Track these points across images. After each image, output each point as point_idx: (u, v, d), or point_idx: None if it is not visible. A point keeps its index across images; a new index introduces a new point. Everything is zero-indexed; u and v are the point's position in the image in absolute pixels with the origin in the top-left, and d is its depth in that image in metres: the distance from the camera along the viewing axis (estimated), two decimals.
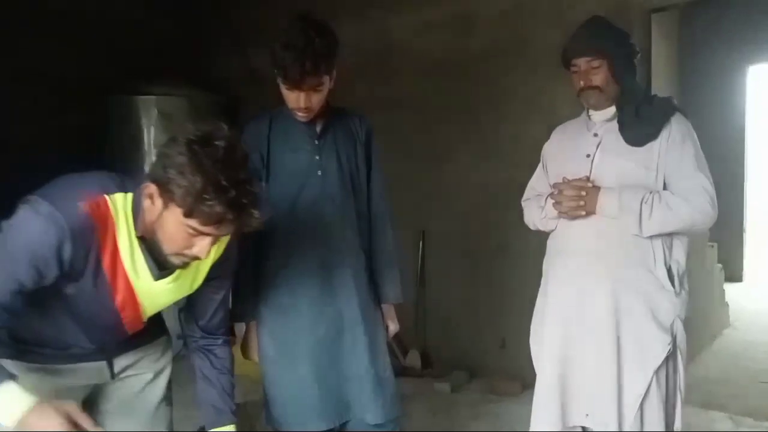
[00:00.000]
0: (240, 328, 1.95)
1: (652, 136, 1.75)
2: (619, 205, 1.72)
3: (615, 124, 1.81)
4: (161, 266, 1.35)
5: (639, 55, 1.88)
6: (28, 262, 1.20)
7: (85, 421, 1.18)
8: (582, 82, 1.80)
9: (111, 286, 1.32)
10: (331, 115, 1.91)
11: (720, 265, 4.93)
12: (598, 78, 1.79)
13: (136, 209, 1.29)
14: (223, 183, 1.16)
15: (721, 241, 5.06)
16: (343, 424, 1.92)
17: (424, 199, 3.79)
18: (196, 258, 1.28)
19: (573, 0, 3.19)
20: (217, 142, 1.19)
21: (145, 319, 1.47)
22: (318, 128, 1.89)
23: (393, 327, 2.07)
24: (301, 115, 1.82)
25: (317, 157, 1.88)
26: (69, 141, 3.98)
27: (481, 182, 3.59)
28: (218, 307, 1.59)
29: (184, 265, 1.34)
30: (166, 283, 1.38)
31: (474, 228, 3.63)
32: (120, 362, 1.55)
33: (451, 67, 3.69)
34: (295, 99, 1.77)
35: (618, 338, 1.75)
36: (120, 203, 1.29)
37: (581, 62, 1.80)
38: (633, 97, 1.79)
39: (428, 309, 3.86)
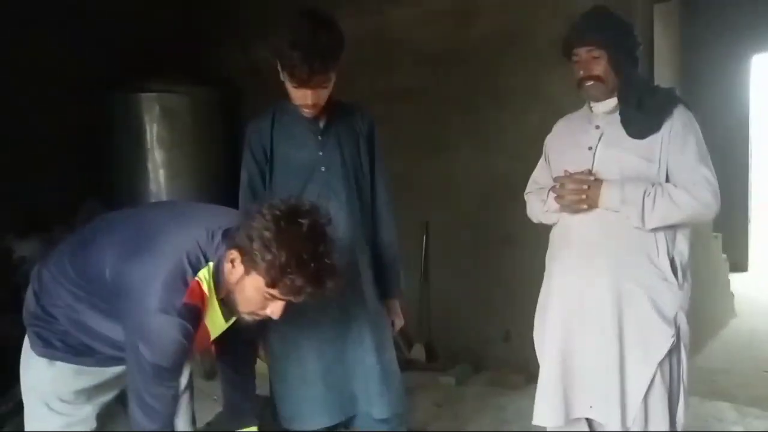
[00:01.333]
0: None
1: (654, 128, 1.73)
2: (622, 198, 1.71)
3: (617, 117, 1.80)
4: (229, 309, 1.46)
5: (641, 46, 1.86)
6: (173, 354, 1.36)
7: None
8: (582, 72, 1.79)
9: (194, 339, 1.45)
10: (333, 110, 1.91)
11: (725, 256, 4.92)
12: (599, 68, 1.77)
13: (217, 274, 1.40)
14: (305, 257, 1.28)
15: (726, 232, 5.04)
16: (350, 419, 1.93)
17: (427, 190, 3.78)
18: (268, 317, 1.40)
19: None
20: (301, 220, 1.31)
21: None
22: (321, 124, 1.89)
23: (398, 322, 2.07)
24: (307, 112, 1.82)
25: (320, 153, 1.88)
26: (70, 138, 3.99)
27: (484, 173, 3.58)
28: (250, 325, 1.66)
29: (254, 321, 1.46)
30: (230, 322, 1.51)
31: (477, 219, 3.62)
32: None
33: (451, 57, 3.67)
34: (302, 96, 1.76)
35: (621, 330, 1.75)
36: (205, 278, 1.39)
37: (582, 52, 1.79)
38: (634, 88, 1.78)
39: (433, 302, 3.86)
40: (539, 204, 1.95)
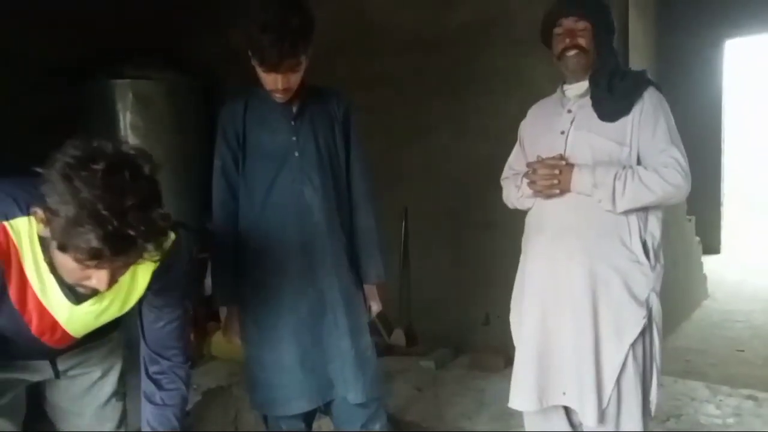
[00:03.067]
0: (222, 311, 1.95)
1: (625, 110, 1.75)
2: (593, 182, 1.72)
3: (588, 100, 1.81)
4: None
5: (615, 33, 1.89)
6: None
7: None
8: (568, 40, 1.79)
9: (24, 316, 1.23)
10: (307, 95, 1.89)
11: (698, 238, 5.01)
12: (583, 40, 1.78)
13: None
14: (102, 212, 1.00)
15: (699, 215, 5.14)
16: (327, 404, 1.94)
17: (407, 176, 3.79)
18: (96, 290, 1.15)
19: None
20: (95, 165, 1.01)
21: (78, 337, 1.36)
22: (294, 109, 1.87)
23: (375, 307, 2.07)
24: (279, 97, 1.80)
25: (294, 138, 1.86)
26: (40, 125, 3.89)
27: (464, 158, 3.59)
28: (171, 341, 1.47)
29: (94, 293, 1.21)
30: (89, 305, 1.28)
31: (457, 204, 3.64)
32: (64, 362, 1.50)
33: (431, 43, 3.66)
34: (273, 81, 1.74)
35: (595, 313, 1.76)
36: (23, 228, 1.16)
37: (569, 22, 1.79)
38: (606, 70, 1.79)
39: (412, 287, 3.88)
40: (514, 190, 1.96)
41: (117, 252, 1.04)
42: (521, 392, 1.85)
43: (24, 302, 1.22)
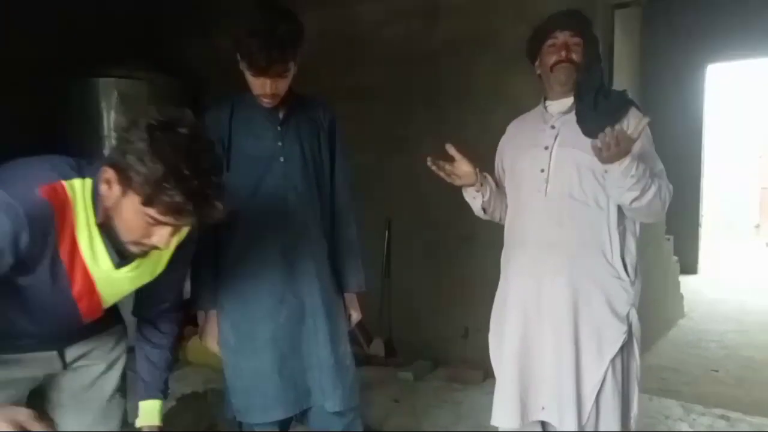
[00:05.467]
0: (200, 316, 1.92)
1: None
2: (637, 174, 1.64)
3: (572, 116, 1.82)
4: (122, 254, 1.29)
5: (600, 51, 1.92)
6: None
7: (39, 428, 1.09)
8: (563, 53, 1.80)
9: (68, 275, 1.27)
10: (294, 101, 1.89)
11: (676, 258, 5.09)
12: (576, 54, 1.80)
13: (96, 195, 1.23)
14: (185, 172, 1.11)
15: (678, 235, 5.22)
16: (304, 412, 1.92)
17: (390, 188, 3.79)
18: (156, 248, 1.24)
19: None
20: (180, 129, 1.14)
21: (104, 308, 1.43)
22: (281, 115, 1.87)
23: (355, 316, 2.06)
24: (266, 101, 1.80)
25: (279, 144, 1.86)
26: (25, 124, 3.84)
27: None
28: (172, 292, 1.57)
29: (144, 254, 1.30)
30: (126, 271, 1.34)
31: (438, 217, 3.65)
32: (72, 352, 1.51)
33: (417, 56, 3.68)
34: (261, 85, 1.74)
35: (576, 329, 1.77)
36: (78, 189, 1.23)
37: (564, 35, 1.81)
38: (592, 87, 1.81)
39: (393, 298, 3.88)
40: (469, 199, 2.00)
41: (197, 208, 1.15)
42: (504, 409, 1.85)
43: (72, 262, 1.26)
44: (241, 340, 1.87)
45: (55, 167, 1.24)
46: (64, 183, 1.21)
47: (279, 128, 1.86)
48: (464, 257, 3.57)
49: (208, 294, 1.88)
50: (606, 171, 1.68)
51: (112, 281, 1.33)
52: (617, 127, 1.58)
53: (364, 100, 3.74)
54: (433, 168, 1.84)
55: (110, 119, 3.98)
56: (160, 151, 1.11)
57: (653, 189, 1.68)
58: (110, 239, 1.26)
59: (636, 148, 1.65)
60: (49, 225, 1.19)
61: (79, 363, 1.54)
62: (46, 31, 3.94)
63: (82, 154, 4.05)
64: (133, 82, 4.02)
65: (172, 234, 1.22)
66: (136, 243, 1.23)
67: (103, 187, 1.19)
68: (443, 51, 3.60)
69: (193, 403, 3.07)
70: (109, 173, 1.17)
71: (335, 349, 1.89)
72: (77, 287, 1.30)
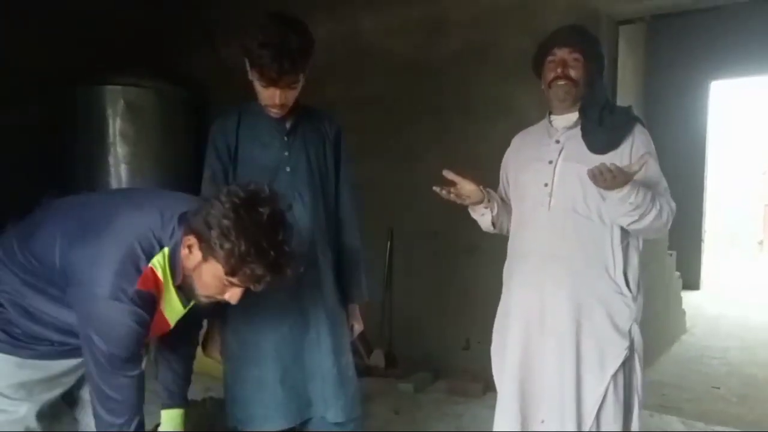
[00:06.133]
0: (203, 324, 1.92)
1: (615, 144, 1.78)
2: (636, 202, 1.66)
3: (577, 131, 1.84)
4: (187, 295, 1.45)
5: (605, 68, 1.93)
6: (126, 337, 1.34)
7: None
8: (560, 70, 1.81)
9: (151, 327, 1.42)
10: (301, 112, 1.90)
11: (678, 273, 5.07)
12: (575, 71, 1.81)
13: (173, 261, 1.37)
14: (264, 246, 1.25)
15: (680, 250, 5.21)
16: (305, 422, 1.91)
17: (394, 198, 3.80)
18: (226, 302, 1.39)
19: (543, 8, 3.24)
20: (261, 208, 1.28)
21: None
22: (288, 125, 1.88)
23: (357, 327, 2.06)
24: (275, 111, 1.81)
25: (286, 154, 1.87)
26: (32, 130, 3.87)
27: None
28: (202, 308, 1.63)
29: (211, 303, 1.45)
30: (188, 307, 1.50)
31: (441, 228, 3.65)
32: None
33: (422, 68, 3.71)
34: (270, 96, 1.76)
35: (578, 344, 1.77)
36: (160, 263, 1.36)
37: (563, 52, 1.82)
38: (597, 104, 1.82)
39: (394, 308, 3.87)
40: (477, 216, 2.00)
41: (274, 277, 1.30)
42: (505, 422, 1.85)
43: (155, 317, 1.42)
44: (244, 350, 1.87)
45: (141, 246, 1.35)
46: (152, 267, 1.34)
47: (286, 138, 1.87)
48: (466, 268, 3.57)
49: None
50: (604, 196, 1.69)
51: (179, 313, 1.50)
52: (612, 164, 1.59)
53: (368, 110, 3.76)
54: (443, 194, 1.86)
55: (116, 127, 4.00)
56: (245, 229, 1.25)
57: (653, 213, 1.69)
58: (184, 291, 1.43)
59: (639, 175, 1.66)
60: (155, 305, 1.38)
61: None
62: (53, 39, 3.97)
63: (89, 161, 4.06)
64: (139, 90, 4.05)
65: (245, 292, 1.36)
66: (209, 297, 1.39)
67: (185, 251, 1.33)
68: (447, 63, 3.62)
69: (191, 412, 3.06)
70: (191, 241, 1.32)
71: (338, 359, 1.89)
72: (153, 330, 1.46)
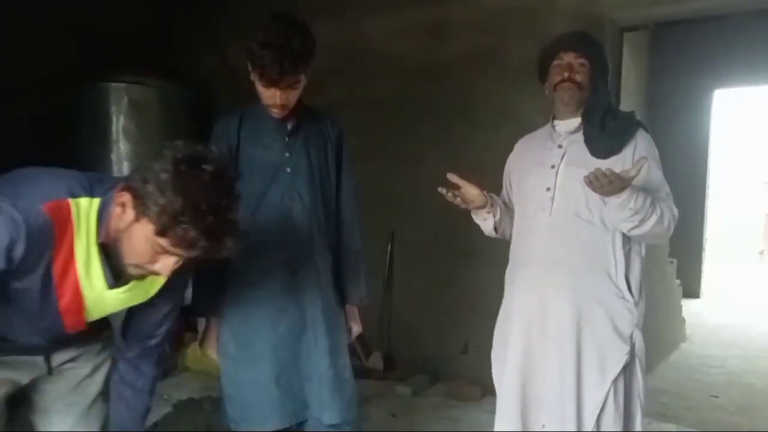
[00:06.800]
0: (201, 323, 1.93)
1: (617, 149, 1.78)
2: (635, 207, 1.66)
3: (579, 136, 1.84)
4: (117, 275, 1.29)
5: (609, 74, 1.93)
6: None
7: None
8: (566, 74, 1.82)
9: (58, 290, 1.27)
10: (302, 113, 1.91)
11: (678, 281, 5.06)
12: (581, 76, 1.82)
13: (102, 215, 1.24)
14: (203, 208, 1.13)
15: (681, 258, 5.20)
16: (300, 424, 1.91)
17: (395, 201, 3.80)
18: (156, 273, 1.25)
19: (547, 14, 3.25)
20: (204, 166, 1.16)
21: (87, 322, 1.39)
22: (289, 125, 1.89)
23: (356, 328, 2.06)
24: (276, 112, 1.82)
25: (287, 154, 1.87)
26: (36, 127, 3.88)
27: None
28: (163, 322, 1.52)
29: (141, 277, 1.31)
30: (118, 292, 1.33)
31: (442, 232, 3.65)
32: (58, 357, 1.50)
33: (425, 71, 3.71)
34: (272, 96, 1.76)
35: (579, 349, 1.77)
36: (84, 208, 1.23)
37: (569, 56, 1.83)
38: (599, 109, 1.83)
39: (393, 311, 3.87)
40: (480, 221, 2.00)
41: (208, 244, 1.16)
42: (505, 426, 1.85)
43: (64, 277, 1.26)
44: (241, 350, 1.87)
45: (65, 184, 1.24)
46: (70, 201, 1.21)
47: (287, 139, 1.88)
48: (465, 272, 3.57)
49: (209, 301, 1.88)
50: (605, 202, 1.69)
51: (102, 300, 1.33)
52: (608, 169, 1.59)
53: (370, 113, 3.77)
54: (448, 196, 1.84)
55: (120, 124, 4.01)
56: (183, 185, 1.13)
57: (654, 218, 1.69)
58: (108, 260, 1.27)
59: (640, 179, 1.66)
60: (48, 241, 1.19)
61: (64, 366, 1.53)
62: (58, 36, 3.98)
63: (92, 158, 4.06)
64: (143, 88, 4.05)
65: (176, 264, 1.22)
66: (138, 266, 1.24)
67: (117, 210, 1.20)
68: (450, 67, 3.62)
69: (189, 410, 3.06)
70: (125, 197, 1.19)
71: (335, 361, 1.89)
72: (65, 302, 1.29)
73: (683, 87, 6.47)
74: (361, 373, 3.48)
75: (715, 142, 7.08)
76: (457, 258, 3.61)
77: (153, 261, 1.22)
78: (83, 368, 1.57)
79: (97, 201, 1.24)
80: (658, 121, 4.93)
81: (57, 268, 1.24)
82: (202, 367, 3.43)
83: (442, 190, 1.82)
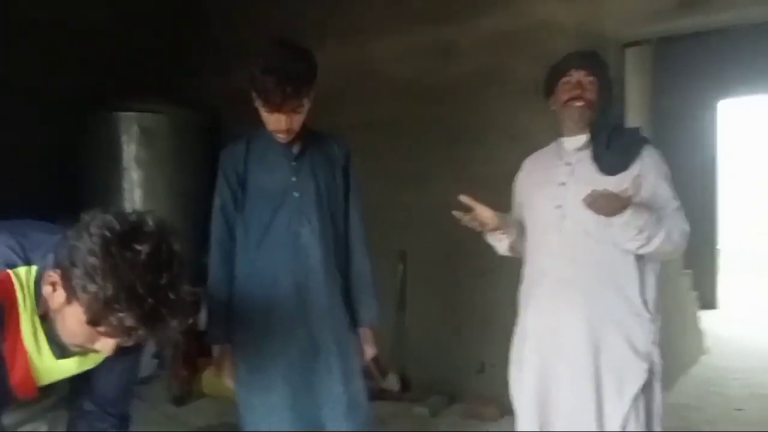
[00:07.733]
0: (215, 350, 1.93)
1: (624, 165, 1.78)
2: (640, 225, 1.67)
3: (587, 153, 1.84)
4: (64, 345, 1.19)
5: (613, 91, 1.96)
6: None
7: None
8: (577, 91, 1.83)
9: (8, 365, 1.18)
10: (308, 137, 1.92)
11: (695, 293, 5.01)
12: (590, 93, 1.83)
13: (39, 286, 1.13)
14: (139, 292, 1.00)
15: (696, 269, 5.15)
16: None
17: (405, 221, 3.81)
18: (98, 352, 1.15)
19: (551, 33, 3.28)
20: (138, 246, 1.01)
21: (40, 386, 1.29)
22: (295, 150, 1.90)
23: (370, 351, 2.05)
24: (281, 137, 1.83)
25: (294, 179, 1.88)
26: (47, 155, 3.93)
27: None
28: (122, 391, 1.43)
29: (86, 352, 1.20)
30: (71, 360, 1.24)
31: (454, 251, 3.64)
32: (7, 419, 1.38)
33: (431, 92, 3.74)
34: (276, 121, 1.78)
35: (596, 369, 1.75)
36: (23, 278, 1.14)
37: (579, 74, 1.85)
38: (606, 126, 1.84)
39: (408, 331, 3.85)
40: (494, 242, 2.00)
41: (150, 330, 1.04)
42: None
43: (14, 354, 1.17)
44: (253, 375, 1.86)
45: (2, 253, 1.15)
46: (11, 274, 1.12)
47: (293, 163, 1.89)
48: (480, 291, 3.55)
49: (222, 329, 1.88)
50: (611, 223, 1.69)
51: (54, 369, 1.24)
52: (604, 189, 1.59)
53: (378, 134, 3.79)
54: (465, 220, 1.83)
55: (131, 152, 4.06)
56: (114, 267, 1.00)
57: (661, 235, 1.68)
58: (52, 330, 1.16)
59: (646, 193, 1.66)
60: None
61: (19, 429, 1.43)
62: (69, 65, 4.05)
63: (104, 186, 4.06)
64: (153, 116, 4.10)
65: (120, 343, 1.10)
66: (78, 345, 1.14)
67: (47, 289, 1.09)
68: (455, 87, 3.65)
69: None
70: (54, 277, 1.07)
71: (348, 384, 1.88)
72: (16, 378, 1.20)
73: (687, 99, 6.48)
74: (376, 394, 3.45)
75: (724, 152, 7.07)
76: (470, 276, 3.60)
77: (92, 342, 1.11)
78: (39, 427, 1.48)
79: (34, 269, 1.15)
80: (665, 134, 4.92)
81: (7, 347, 1.16)
82: (219, 392, 3.42)
83: (458, 214, 1.81)
